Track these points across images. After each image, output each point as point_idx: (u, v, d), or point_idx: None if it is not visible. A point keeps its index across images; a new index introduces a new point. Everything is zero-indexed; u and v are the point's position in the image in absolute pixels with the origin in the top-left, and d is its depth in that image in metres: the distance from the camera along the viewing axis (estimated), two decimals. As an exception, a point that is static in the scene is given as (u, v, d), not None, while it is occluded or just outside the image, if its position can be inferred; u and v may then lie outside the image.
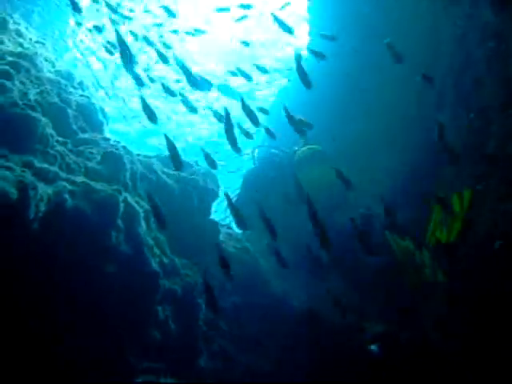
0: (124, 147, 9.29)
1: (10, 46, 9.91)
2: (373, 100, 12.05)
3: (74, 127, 8.99)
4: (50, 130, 7.03)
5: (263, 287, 10.64)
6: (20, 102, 6.62)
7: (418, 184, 9.45)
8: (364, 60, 12.06)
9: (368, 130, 11.86)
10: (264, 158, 13.22)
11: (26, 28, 13.16)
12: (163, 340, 7.54)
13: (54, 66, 11.62)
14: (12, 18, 12.75)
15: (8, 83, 6.94)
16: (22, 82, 7.58)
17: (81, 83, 11.99)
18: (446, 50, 10.29)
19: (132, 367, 6.73)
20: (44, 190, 5.85)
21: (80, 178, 6.87)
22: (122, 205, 6.79)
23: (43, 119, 6.87)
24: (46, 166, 6.44)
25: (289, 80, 17.03)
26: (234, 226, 13.76)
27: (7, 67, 7.62)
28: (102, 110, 11.30)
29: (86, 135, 8.99)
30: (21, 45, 11.01)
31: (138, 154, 11.06)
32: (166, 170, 10.47)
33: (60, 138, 8.27)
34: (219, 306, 6.60)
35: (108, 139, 9.16)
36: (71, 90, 10.60)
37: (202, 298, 8.82)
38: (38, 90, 8.95)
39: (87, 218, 6.25)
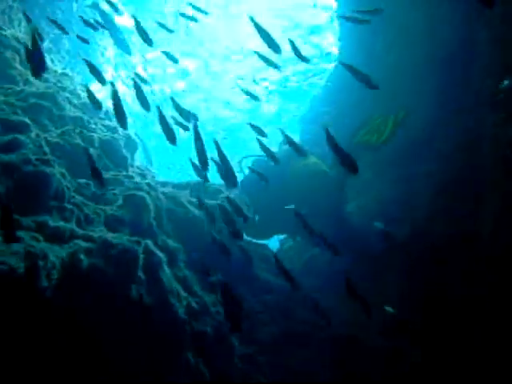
0: (148, 184, 9.15)
1: (33, 86, 9.90)
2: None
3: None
4: (65, 182, 6.91)
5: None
6: (33, 158, 6.51)
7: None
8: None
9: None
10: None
11: (52, 60, 13.24)
12: (194, 387, 7.35)
13: (79, 99, 11.61)
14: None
15: (22, 137, 6.85)
16: (37, 134, 7.47)
17: (107, 112, 11.96)
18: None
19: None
20: (57, 253, 5.71)
21: (98, 233, 6.73)
22: (141, 256, 6.59)
23: (57, 173, 6.74)
24: (61, 224, 6.32)
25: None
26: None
27: (25, 118, 7.53)
28: (128, 138, 11.24)
29: (109, 174, 8.87)
30: (46, 80, 11.02)
31: (165, 184, 10.95)
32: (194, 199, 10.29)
33: (82, 181, 8.22)
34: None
35: (131, 177, 9.02)
36: (96, 122, 10.55)
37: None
38: (59, 132, 8.92)
39: (105, 276, 6.10)
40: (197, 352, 7.73)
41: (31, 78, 10.64)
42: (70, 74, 12.76)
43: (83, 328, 5.74)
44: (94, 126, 9.97)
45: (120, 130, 11.41)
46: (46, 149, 7.16)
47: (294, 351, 9.66)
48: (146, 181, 9.28)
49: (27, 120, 7.53)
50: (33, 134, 7.24)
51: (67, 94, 11.00)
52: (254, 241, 12.59)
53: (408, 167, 9.96)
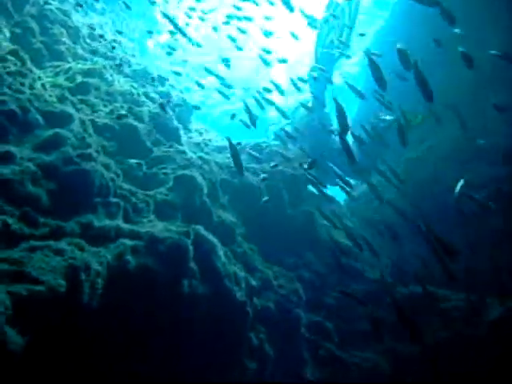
0: (201, 158, 8.88)
1: (79, 64, 9.72)
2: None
3: (148, 144, 8.71)
4: (110, 174, 6.74)
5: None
6: (74, 155, 6.35)
7: None
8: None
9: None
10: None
11: (101, 26, 12.97)
12: (260, 369, 7.28)
13: (130, 66, 11.37)
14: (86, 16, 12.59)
15: (63, 132, 6.69)
16: (82, 121, 7.31)
17: (159, 78, 11.67)
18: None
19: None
20: (103, 257, 5.61)
21: (145, 225, 6.59)
22: (191, 248, 6.40)
23: (100, 167, 6.56)
24: (106, 222, 6.20)
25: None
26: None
27: (67, 108, 7.35)
28: (184, 102, 10.91)
29: (161, 151, 8.67)
30: (93, 52, 10.83)
31: (222, 149, 10.63)
32: (251, 165, 9.96)
33: (133, 161, 8.08)
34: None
35: (183, 152, 8.77)
36: (147, 91, 10.29)
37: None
38: (107, 111, 8.75)
39: (154, 274, 5.97)
40: (260, 330, 7.63)
41: (80, 51, 10.47)
42: (120, 39, 12.50)
43: (135, 332, 5.70)
44: (143, 99, 9.70)
45: (174, 96, 11.15)
46: (89, 140, 6.99)
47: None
48: (199, 154, 8.98)
49: (70, 110, 7.34)
50: (75, 125, 7.07)
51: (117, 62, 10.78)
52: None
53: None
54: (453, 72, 10.88)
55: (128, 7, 11.24)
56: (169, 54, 15.36)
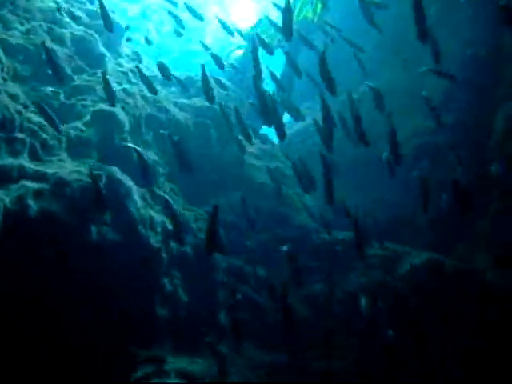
0: (124, 90, 8.32)
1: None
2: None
3: (69, 71, 8.05)
4: (17, 106, 6.18)
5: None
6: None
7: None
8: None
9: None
10: None
11: None
12: (172, 316, 7.18)
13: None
14: None
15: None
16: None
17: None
18: None
19: (133, 357, 6.44)
20: (0, 200, 5.20)
21: (54, 165, 6.14)
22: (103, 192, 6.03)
23: (6, 96, 5.99)
24: (9, 161, 5.71)
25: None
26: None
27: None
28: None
29: (82, 80, 8.04)
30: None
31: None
32: (180, 100, 9.46)
33: (49, 90, 7.49)
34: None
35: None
36: (72, 10, 9.42)
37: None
38: (23, 30, 7.99)
39: (58, 221, 5.62)
40: (175, 276, 7.48)
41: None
42: None
43: (36, 285, 5.40)
44: (67, 19, 8.87)
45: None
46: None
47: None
48: (125, 85, 8.40)
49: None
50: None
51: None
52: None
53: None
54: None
55: None
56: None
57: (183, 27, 9.83)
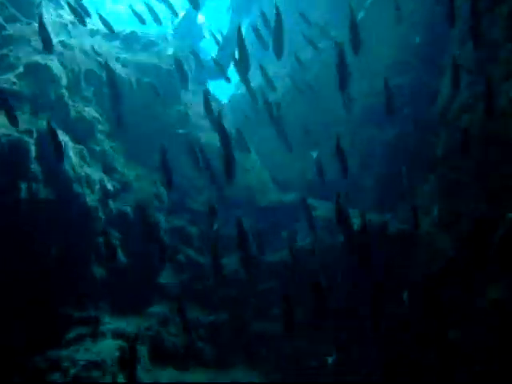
0: (62, 42, 7.93)
1: None
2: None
3: (0, 20, 7.61)
4: None
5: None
6: None
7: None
8: None
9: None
10: None
11: None
12: (109, 276, 7.06)
13: None
14: None
15: None
16: None
17: None
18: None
19: (66, 319, 6.33)
20: None
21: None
22: (33, 148, 5.81)
23: None
24: None
25: None
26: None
27: None
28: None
29: (14, 29, 7.60)
30: None
31: (94, 33, 9.57)
32: (123, 55, 9.12)
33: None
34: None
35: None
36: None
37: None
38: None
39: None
40: (115, 236, 7.32)
41: None
42: None
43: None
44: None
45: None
46: None
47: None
48: (63, 38, 8.01)
49: None
50: None
51: None
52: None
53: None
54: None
55: None
56: None
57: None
